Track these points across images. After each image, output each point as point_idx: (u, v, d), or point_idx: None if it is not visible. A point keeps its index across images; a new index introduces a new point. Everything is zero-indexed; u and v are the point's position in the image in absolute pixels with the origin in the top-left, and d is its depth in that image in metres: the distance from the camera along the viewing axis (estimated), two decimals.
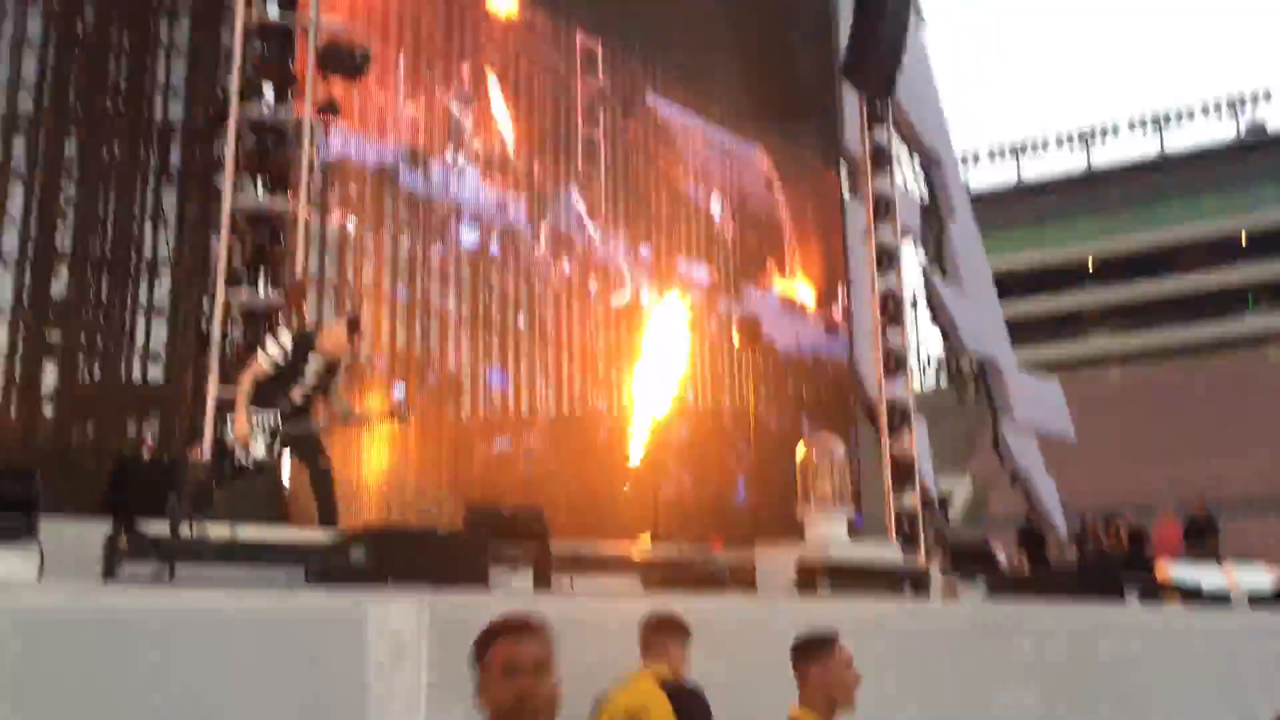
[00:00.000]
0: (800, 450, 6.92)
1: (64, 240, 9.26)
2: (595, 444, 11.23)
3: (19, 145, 9.37)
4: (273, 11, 8.75)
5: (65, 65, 9.51)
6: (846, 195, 16.15)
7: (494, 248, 10.83)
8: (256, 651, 3.03)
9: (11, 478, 3.45)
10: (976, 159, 41.52)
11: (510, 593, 4.25)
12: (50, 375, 8.97)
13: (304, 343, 5.88)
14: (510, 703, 1.91)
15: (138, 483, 5.74)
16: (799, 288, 15.09)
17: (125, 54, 9.66)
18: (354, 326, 6.10)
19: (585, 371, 11.50)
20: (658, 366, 12.25)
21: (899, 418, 14.39)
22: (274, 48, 8.75)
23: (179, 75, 9.62)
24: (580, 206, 11.93)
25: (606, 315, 11.92)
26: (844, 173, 16.17)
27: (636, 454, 11.43)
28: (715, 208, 13.94)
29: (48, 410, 8.96)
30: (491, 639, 1.98)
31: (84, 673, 2.63)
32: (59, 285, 9.19)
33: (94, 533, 3.65)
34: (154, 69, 9.60)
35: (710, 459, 12.70)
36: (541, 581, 4.44)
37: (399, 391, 9.23)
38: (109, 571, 3.36)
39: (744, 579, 5.21)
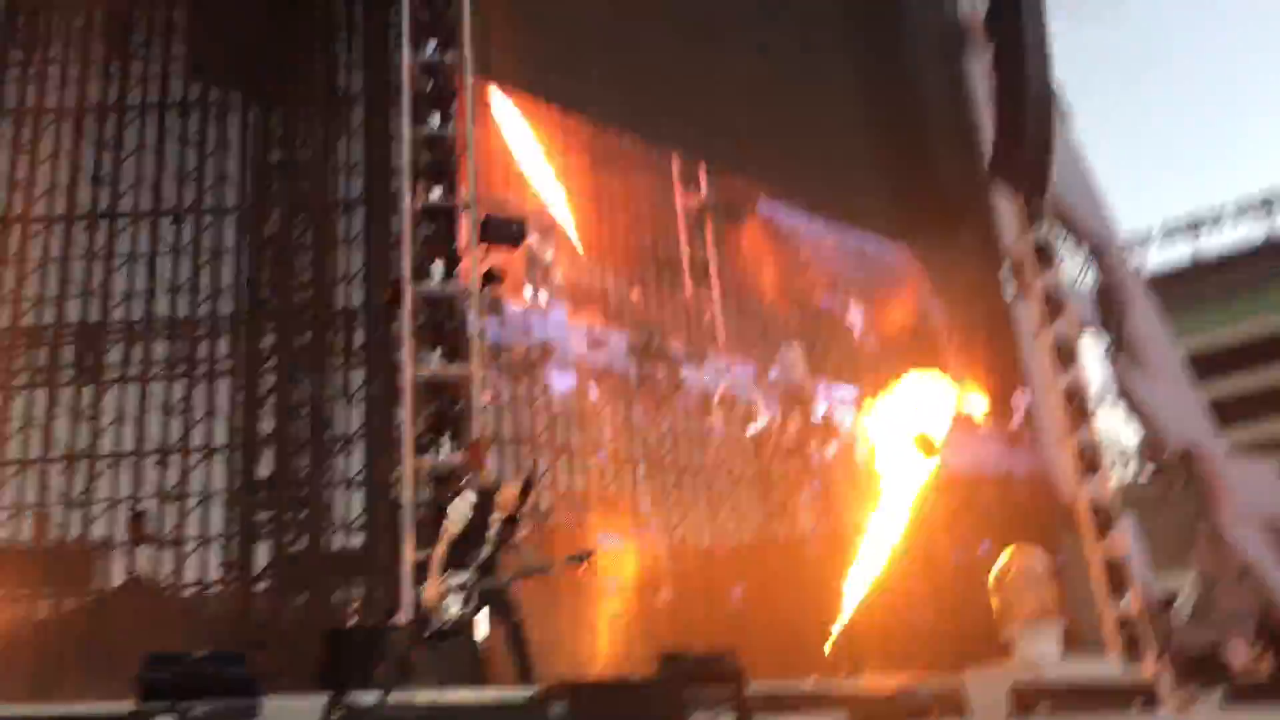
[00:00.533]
0: (998, 567, 6.61)
1: (267, 425, 9.96)
2: (781, 578, 11.02)
3: (224, 343, 10.24)
4: (436, 195, 9.35)
5: (257, 265, 10.40)
6: (1011, 296, 15.74)
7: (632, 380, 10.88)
8: None
9: (233, 661, 3.66)
10: (1150, 239, 39.88)
11: None
12: (261, 554, 9.53)
13: (485, 500, 6.08)
14: None
15: (347, 654, 5.98)
16: (969, 399, 14.65)
17: (309, 249, 10.50)
18: (529, 482, 6.29)
19: (759, 501, 11.34)
20: (833, 493, 12.03)
21: (1103, 519, 13.60)
22: (440, 228, 9.33)
23: (357, 263, 10.38)
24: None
25: (742, 443, 11.67)
26: (1006, 273, 15.80)
27: (825, 586, 11.15)
28: (855, 319, 13.57)
29: (260, 585, 9.48)
30: None
31: None
32: (264, 467, 9.85)
33: (310, 708, 3.81)
34: (335, 260, 10.39)
35: (901, 586, 12.25)
36: None
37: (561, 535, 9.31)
38: None
39: (952, 707, 4.96)
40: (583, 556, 6.55)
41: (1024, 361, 15.00)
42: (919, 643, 10.95)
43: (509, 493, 6.20)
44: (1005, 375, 15.02)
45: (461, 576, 5.97)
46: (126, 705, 3.37)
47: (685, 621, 9.54)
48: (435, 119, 9.39)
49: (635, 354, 11.24)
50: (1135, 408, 16.07)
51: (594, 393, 10.58)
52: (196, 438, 9.91)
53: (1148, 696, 5.17)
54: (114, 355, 10.04)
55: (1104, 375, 16.42)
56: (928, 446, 12.26)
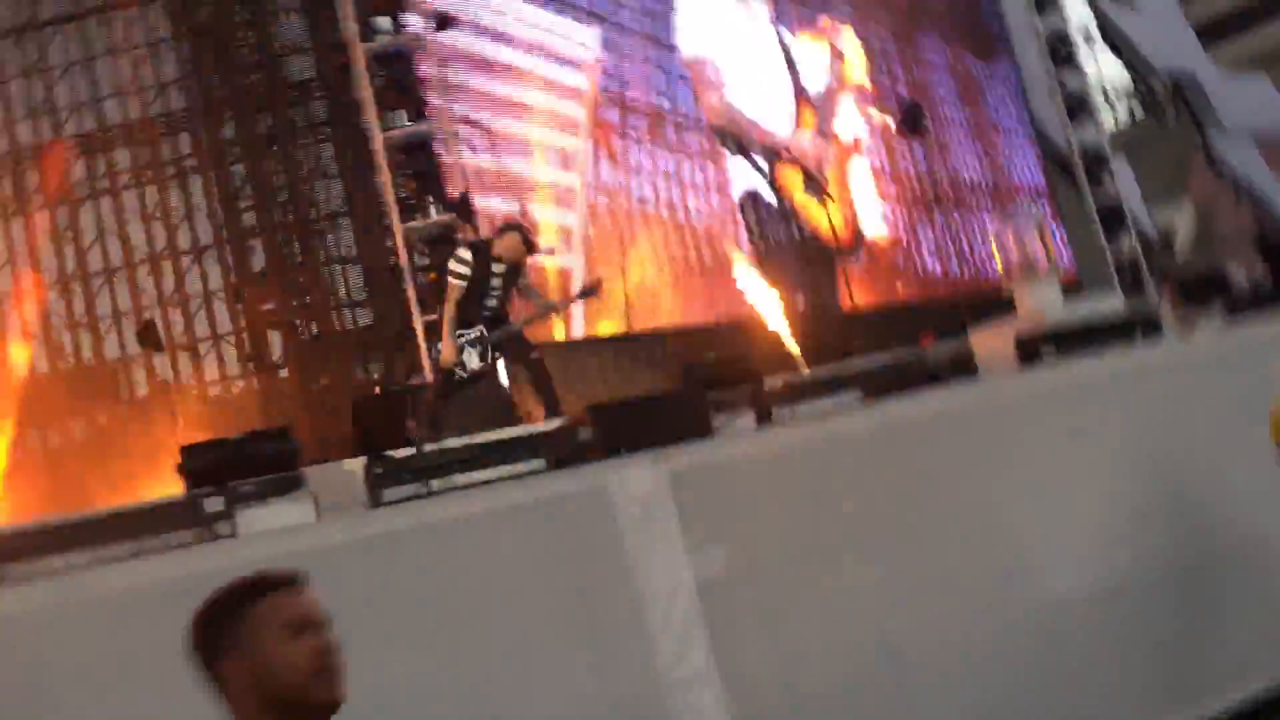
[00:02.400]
0: (991, 223, 6.65)
1: (251, 217, 9.86)
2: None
3: (185, 141, 9.96)
4: None
5: (198, 53, 9.95)
6: None
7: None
8: (516, 542, 3.26)
9: (272, 438, 3.79)
10: None
11: (737, 436, 4.37)
12: (275, 343, 9.68)
13: (483, 254, 6.11)
14: (310, 664, 1.54)
15: (377, 419, 6.18)
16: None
17: (249, 26, 10.00)
18: (527, 233, 6.28)
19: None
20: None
21: (1096, 163, 13.53)
22: None
23: (300, 32, 9.90)
24: None
25: None
26: None
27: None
28: None
29: (283, 374, 9.70)
30: (253, 599, 1.57)
31: (373, 590, 2.92)
32: (258, 259, 9.83)
33: (352, 470, 3.97)
34: (277, 35, 9.91)
35: (900, 254, 12.44)
36: (763, 419, 4.53)
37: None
38: (374, 500, 3.66)
39: (964, 368, 5.13)
40: (592, 289, 6.63)
41: (1002, 7, 14.49)
42: (924, 313, 11.22)
43: (506, 243, 6.21)
44: (983, 22, 14.53)
45: (474, 330, 6.08)
46: (173, 495, 3.52)
47: (695, 333, 9.74)
48: None
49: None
50: (1121, 43, 15.66)
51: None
52: (183, 241, 9.83)
53: (1150, 326, 5.31)
54: (79, 171, 9.80)
55: (1087, 13, 15.89)
56: (915, 120, 12.11)
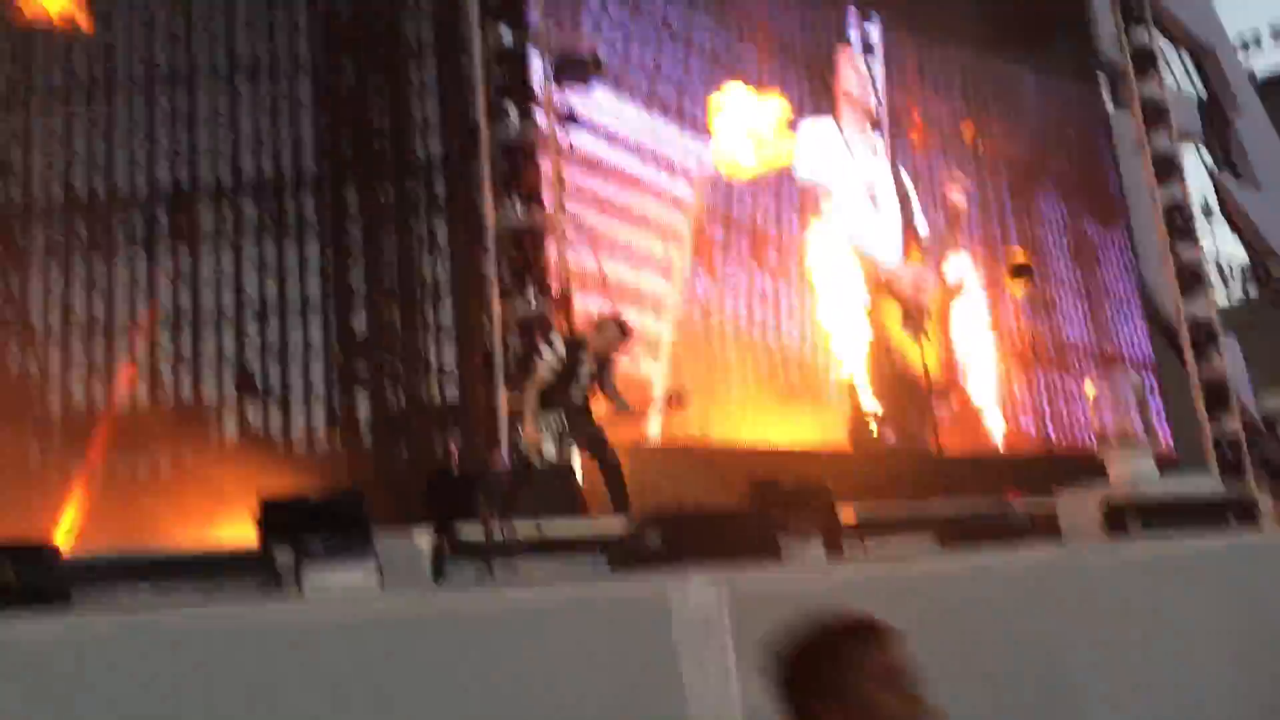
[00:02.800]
0: (1091, 387, 6.54)
1: (359, 280, 10.18)
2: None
3: (309, 202, 10.39)
4: (507, 37, 9.19)
5: (336, 119, 10.42)
6: (1110, 108, 15.04)
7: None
8: (571, 640, 3.24)
9: (347, 502, 3.86)
10: (1259, 42, 37.33)
11: (804, 563, 4.30)
12: (363, 404, 9.89)
13: (576, 347, 6.21)
14: (908, 717, 1.43)
15: (451, 493, 6.24)
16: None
17: (384, 100, 10.47)
18: (624, 327, 6.37)
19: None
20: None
21: (1204, 338, 13.26)
22: (512, 71, 9.20)
23: (432, 112, 10.33)
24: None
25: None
26: (1103, 83, 15.08)
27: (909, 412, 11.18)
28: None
29: (363, 435, 9.88)
30: (859, 644, 1.48)
31: (424, 667, 2.92)
32: (359, 321, 10.12)
33: (420, 543, 4.01)
34: (410, 110, 10.36)
35: (993, 406, 12.26)
36: (833, 549, 4.46)
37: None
38: (437, 574, 3.69)
39: (1046, 528, 5.01)
40: (679, 397, 6.66)
41: (1121, 175, 14.47)
42: (1011, 466, 11.00)
43: (602, 337, 6.30)
44: (1103, 190, 14.53)
45: (555, 419, 6.15)
46: (249, 545, 3.60)
47: (772, 454, 9.69)
48: None
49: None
50: (1241, 222, 15.46)
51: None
52: (293, 296, 10.17)
53: (1246, 511, 5.14)
54: (207, 219, 10.26)
55: (1208, 189, 15.77)
56: (1024, 272, 12.10)
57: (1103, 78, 15.08)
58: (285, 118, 10.45)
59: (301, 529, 3.58)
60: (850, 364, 11.22)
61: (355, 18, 10.61)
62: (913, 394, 11.21)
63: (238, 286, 10.07)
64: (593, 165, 9.73)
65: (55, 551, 3.34)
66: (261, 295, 10.04)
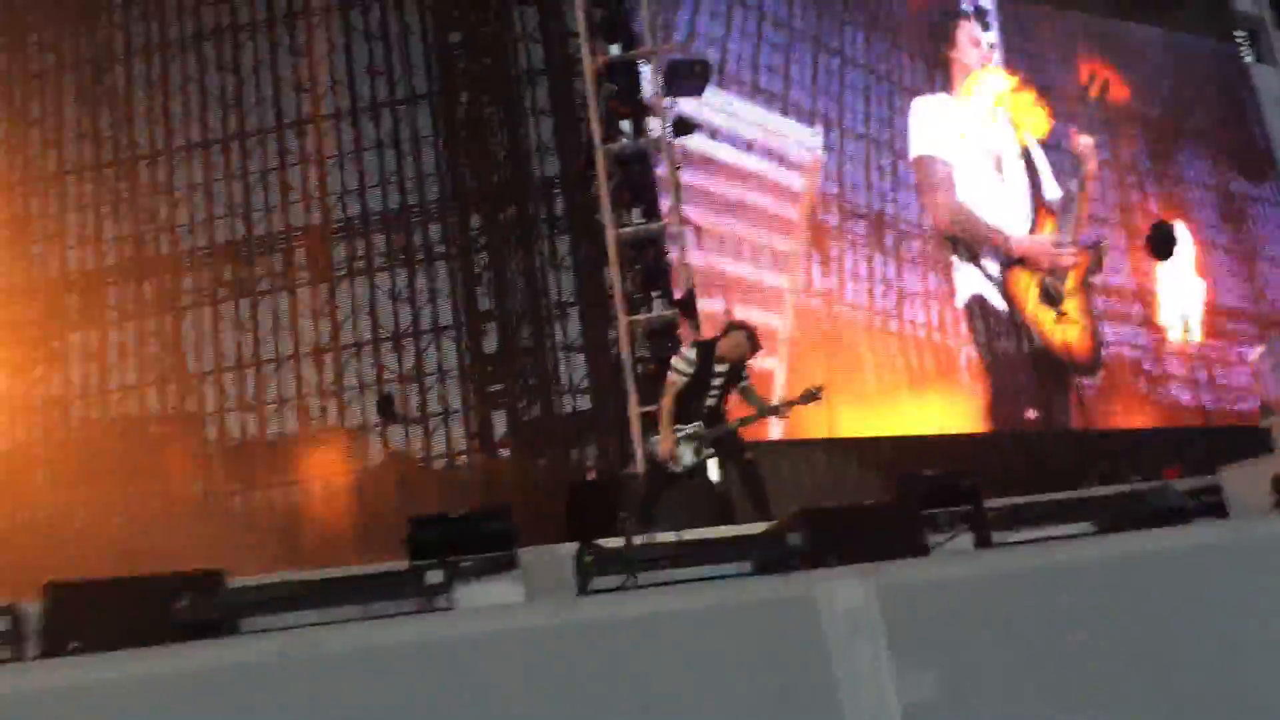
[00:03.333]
0: (1256, 353, 6.19)
1: (488, 302, 10.43)
2: (1016, 389, 10.68)
3: (435, 230, 10.70)
4: (615, 51, 9.28)
5: (456, 149, 10.71)
6: (1251, 61, 14.29)
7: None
8: (718, 643, 3.23)
9: (492, 518, 3.93)
10: None
11: (951, 556, 4.19)
12: (499, 422, 10.12)
13: (707, 352, 6.19)
14: None
15: (589, 506, 6.31)
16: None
17: (500, 125, 10.70)
18: (754, 338, 6.32)
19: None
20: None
21: None
22: (622, 84, 9.28)
23: (547, 133, 10.51)
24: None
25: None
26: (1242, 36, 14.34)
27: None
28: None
29: (504, 453, 10.11)
30: None
31: (574, 676, 2.95)
32: (490, 342, 10.36)
33: (564, 555, 4.06)
34: (526, 132, 10.56)
35: (1140, 376, 11.69)
36: (981, 540, 4.33)
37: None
38: (582, 587, 3.72)
39: (1211, 508, 4.75)
40: (814, 394, 6.57)
41: (1269, 130, 13.69)
42: (1168, 442, 10.49)
43: (731, 342, 6.27)
44: (1251, 151, 13.78)
45: (690, 427, 6.14)
46: (400, 564, 3.70)
47: (914, 444, 9.48)
48: None
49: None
50: None
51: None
52: (424, 321, 10.48)
53: None
54: (339, 253, 10.66)
55: None
56: (1165, 241, 11.54)
57: (1242, 34, 14.35)
58: (409, 152, 10.79)
59: (450, 547, 3.66)
60: (985, 344, 10.87)
61: (467, 48, 10.87)
62: (1054, 371, 10.81)
63: (373, 316, 10.45)
64: (705, 163, 9.71)
65: (219, 579, 3.49)
66: (395, 323, 10.40)
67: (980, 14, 12.14)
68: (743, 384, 6.31)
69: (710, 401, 6.19)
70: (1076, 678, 3.52)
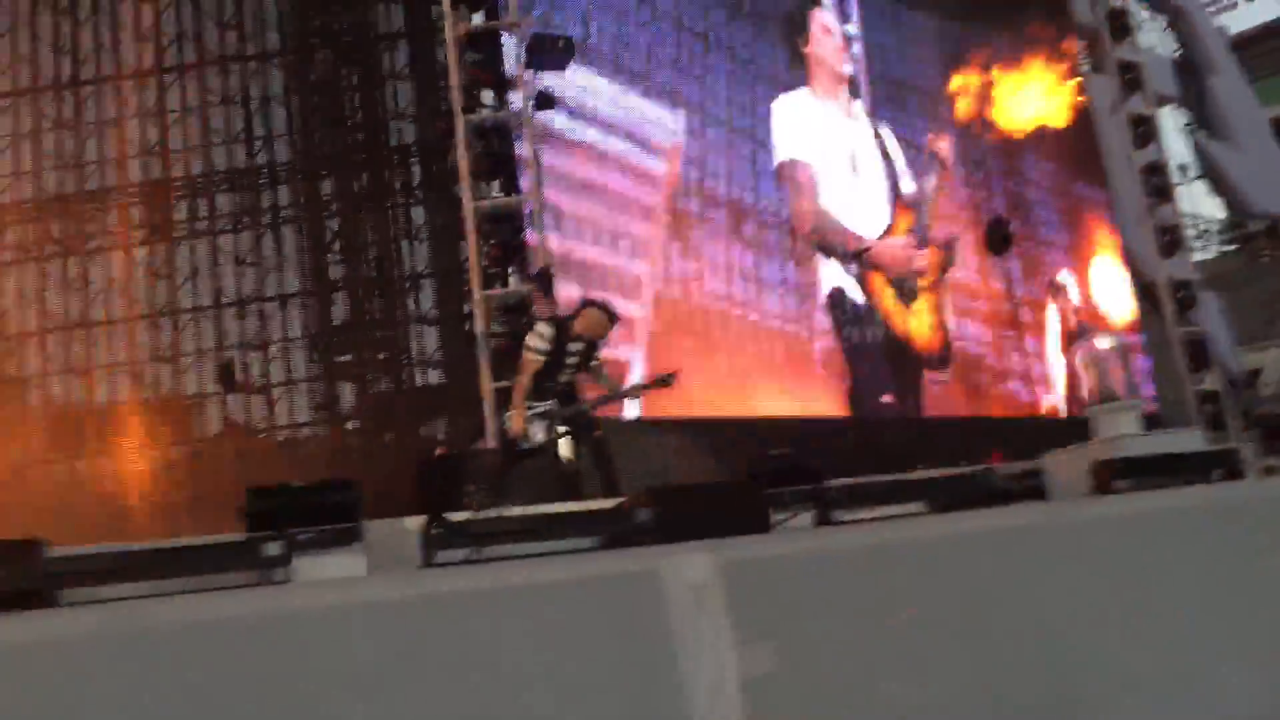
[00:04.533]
0: (1079, 354, 6.58)
1: (336, 270, 10.14)
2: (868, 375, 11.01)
3: (284, 193, 10.32)
4: (478, 20, 9.12)
5: (308, 110, 10.35)
6: (1086, 72, 15.05)
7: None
8: (563, 616, 3.23)
9: (336, 489, 3.82)
10: (1234, 2, 37.39)
11: (792, 533, 4.30)
12: (347, 394, 9.87)
13: (562, 331, 6.18)
14: None
15: (439, 479, 6.22)
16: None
17: (357, 89, 10.39)
18: (610, 312, 6.33)
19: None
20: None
21: (1185, 297, 13.34)
22: (485, 55, 9.13)
23: (406, 99, 10.27)
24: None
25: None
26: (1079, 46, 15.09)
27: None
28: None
29: (349, 424, 9.87)
30: None
31: (417, 650, 2.91)
32: (339, 311, 10.08)
33: (409, 528, 3.99)
34: (384, 98, 10.28)
35: (983, 371, 12.26)
36: (823, 520, 4.46)
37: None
38: (427, 560, 3.66)
39: (1032, 491, 5.01)
40: (666, 379, 6.63)
41: (1100, 139, 14.48)
42: (999, 431, 11.02)
43: (587, 321, 6.26)
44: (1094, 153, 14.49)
45: (543, 405, 6.12)
46: (236, 536, 3.56)
47: (759, 425, 9.68)
48: None
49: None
50: (1219, 181, 15.51)
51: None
52: (270, 287, 10.12)
53: (1229, 466, 5.16)
54: (180, 212, 10.19)
55: (1186, 149, 15.82)
56: (1000, 237, 12.07)
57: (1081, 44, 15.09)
58: (256, 107, 10.38)
59: (290, 518, 3.55)
60: (844, 335, 11.16)
61: (324, 6, 10.51)
62: (908, 363, 11.19)
63: (215, 280, 10.03)
64: (566, 144, 9.64)
65: (38, 548, 3.30)
66: (238, 288, 10.01)
67: (841, 3, 12.36)
68: (594, 363, 6.33)
69: (564, 380, 6.19)
70: (907, 650, 3.67)
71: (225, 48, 10.59)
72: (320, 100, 10.39)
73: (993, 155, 13.55)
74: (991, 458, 6.17)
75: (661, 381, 6.54)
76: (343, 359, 9.94)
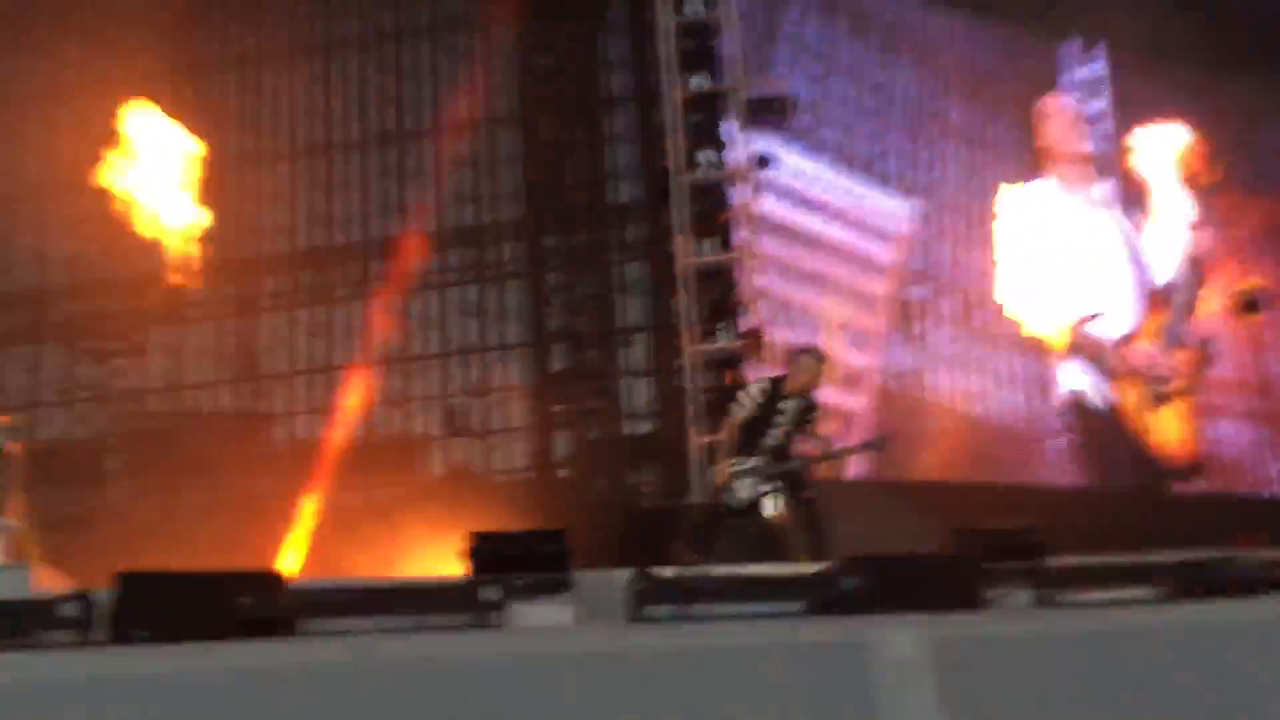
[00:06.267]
0: None
1: (556, 321, 10.54)
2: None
3: (510, 247, 10.85)
4: (700, 83, 9.33)
5: (537, 170, 10.85)
6: None
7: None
8: (768, 681, 3.23)
9: (549, 539, 3.97)
10: None
11: (1009, 613, 4.14)
12: (561, 443, 10.18)
13: (775, 387, 6.21)
14: None
15: (644, 532, 6.33)
16: None
17: (581, 150, 10.82)
18: (819, 355, 6.32)
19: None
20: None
21: None
22: (705, 115, 9.33)
23: (628, 159, 10.61)
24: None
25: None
26: None
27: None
28: None
29: (561, 472, 10.17)
30: None
31: (623, 703, 2.97)
32: (557, 361, 10.46)
33: (616, 580, 4.08)
34: (606, 158, 10.67)
35: (1239, 480, 10.99)
36: (1042, 598, 4.26)
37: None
38: (635, 614, 3.73)
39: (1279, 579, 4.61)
40: (880, 441, 6.54)
41: None
42: (1249, 511, 10.10)
43: (801, 375, 6.27)
44: None
45: (752, 460, 6.15)
46: (456, 578, 3.75)
47: (980, 497, 9.30)
48: (697, 5, 9.32)
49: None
50: None
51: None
52: (493, 337, 10.61)
53: None
54: (416, 265, 10.85)
55: None
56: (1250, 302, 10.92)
57: None
58: (486, 168, 10.96)
59: (506, 563, 3.71)
60: (1079, 441, 10.27)
61: (555, 73, 11.00)
62: (1144, 474, 10.26)
63: (444, 330, 10.61)
64: (785, 231, 9.55)
65: (281, 580, 3.57)
66: (464, 338, 10.55)
67: (1086, 82, 11.42)
68: (811, 424, 6.30)
69: (774, 436, 6.20)
70: None
71: (462, 111, 11.25)
72: (547, 161, 10.86)
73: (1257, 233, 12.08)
74: (1239, 541, 5.72)
75: (875, 445, 6.45)
76: (557, 408, 10.27)
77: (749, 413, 6.20)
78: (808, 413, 6.27)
